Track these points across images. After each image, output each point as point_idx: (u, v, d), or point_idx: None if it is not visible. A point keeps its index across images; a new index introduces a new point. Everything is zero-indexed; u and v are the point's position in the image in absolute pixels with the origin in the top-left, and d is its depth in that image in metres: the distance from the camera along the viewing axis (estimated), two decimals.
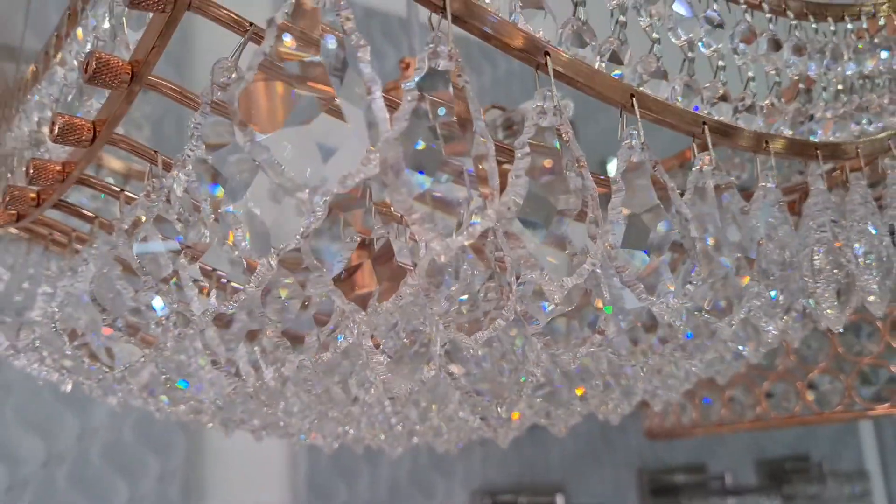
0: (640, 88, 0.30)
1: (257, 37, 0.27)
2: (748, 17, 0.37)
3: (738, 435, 1.65)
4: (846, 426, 1.93)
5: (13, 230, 0.43)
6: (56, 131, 0.29)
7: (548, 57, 0.27)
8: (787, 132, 0.38)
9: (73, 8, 0.34)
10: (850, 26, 0.43)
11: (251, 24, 0.27)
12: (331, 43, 0.25)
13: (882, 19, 0.45)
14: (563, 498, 1.21)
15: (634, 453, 1.43)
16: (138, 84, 0.28)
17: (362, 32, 0.25)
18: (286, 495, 1.04)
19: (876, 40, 0.44)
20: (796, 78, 0.39)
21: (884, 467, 2.03)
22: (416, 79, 0.25)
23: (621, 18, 0.31)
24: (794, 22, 0.39)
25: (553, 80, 0.28)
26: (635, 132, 0.28)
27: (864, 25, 0.44)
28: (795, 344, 0.42)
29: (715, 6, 0.35)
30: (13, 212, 0.36)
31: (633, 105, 0.29)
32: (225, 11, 0.27)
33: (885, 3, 0.45)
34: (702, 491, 1.40)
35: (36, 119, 0.38)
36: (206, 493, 0.98)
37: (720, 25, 0.35)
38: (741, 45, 0.37)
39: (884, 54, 0.44)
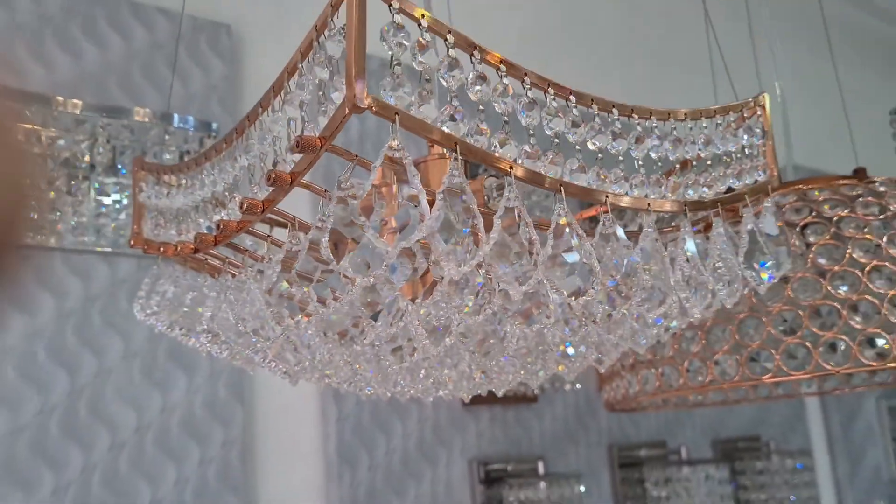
0: (567, 180, 0.52)
1: (361, 162, 0.48)
2: (639, 127, 0.58)
3: (695, 418, 1.86)
4: (795, 412, 2.14)
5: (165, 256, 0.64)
6: (245, 208, 0.50)
7: (511, 168, 0.49)
8: (670, 196, 0.59)
9: (239, 128, 0.55)
10: (719, 121, 0.65)
11: (356, 154, 0.48)
12: (399, 177, 0.46)
13: (744, 114, 0.67)
14: (543, 465, 1.42)
15: (605, 433, 1.64)
16: (293, 186, 0.49)
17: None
18: (320, 459, 1.25)
19: (740, 130, 0.65)
20: (675, 159, 0.60)
21: (830, 448, 2.24)
22: (443, 188, 0.46)
23: (556, 141, 0.52)
24: (673, 125, 0.61)
25: (514, 181, 0.49)
26: (562, 205, 0.50)
27: (731, 119, 0.66)
28: (677, 330, 0.64)
29: (618, 123, 0.56)
30: (192, 246, 0.56)
31: (561, 190, 0.51)
32: (340, 147, 0.48)
33: (743, 104, 0.66)
34: (661, 462, 1.62)
35: (209, 192, 0.58)
36: (258, 456, 1.19)
37: (621, 135, 0.56)
38: (635, 144, 0.58)
39: (744, 139, 0.66)
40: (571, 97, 0.52)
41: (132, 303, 0.71)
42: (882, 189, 0.90)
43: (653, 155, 0.58)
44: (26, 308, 1.02)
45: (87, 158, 1.02)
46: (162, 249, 0.65)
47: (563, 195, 0.50)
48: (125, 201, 1.02)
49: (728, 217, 0.61)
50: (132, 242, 0.71)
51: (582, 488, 1.37)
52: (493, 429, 1.45)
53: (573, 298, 0.49)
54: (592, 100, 0.53)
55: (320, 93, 0.48)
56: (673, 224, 0.65)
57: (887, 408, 2.36)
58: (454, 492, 1.36)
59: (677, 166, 0.60)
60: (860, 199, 0.88)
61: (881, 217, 0.86)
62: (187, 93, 1.21)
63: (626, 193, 0.54)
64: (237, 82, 1.29)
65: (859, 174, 1.02)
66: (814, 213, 0.89)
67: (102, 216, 1.04)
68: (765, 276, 0.58)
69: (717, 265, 0.59)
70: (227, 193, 0.58)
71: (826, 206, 0.89)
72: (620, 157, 0.55)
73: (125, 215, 1.01)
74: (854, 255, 0.83)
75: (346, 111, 0.43)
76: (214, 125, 1.11)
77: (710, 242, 0.59)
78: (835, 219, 0.87)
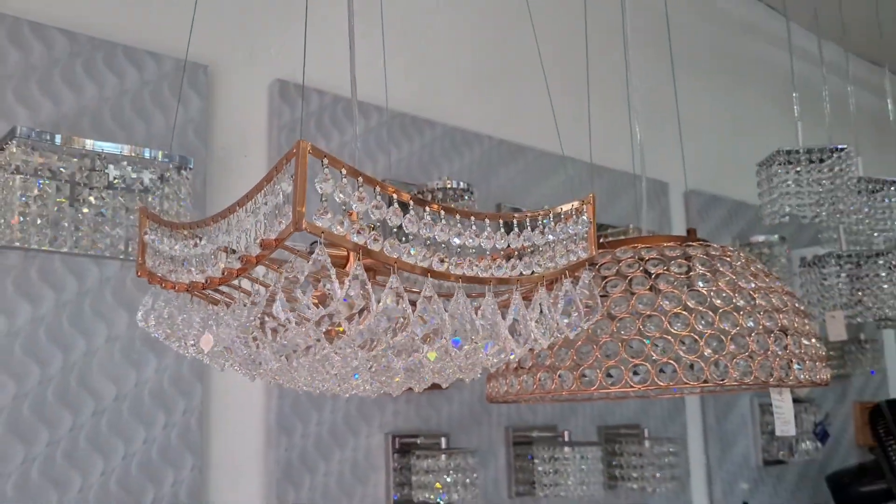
0: (434, 268, 0.81)
1: (302, 254, 0.76)
2: (489, 227, 0.87)
3: (586, 408, 2.19)
4: (675, 406, 2.49)
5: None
6: (224, 274, 0.77)
7: (395, 262, 0.77)
8: (509, 273, 0.89)
9: (223, 213, 0.82)
10: (552, 216, 0.94)
11: (299, 250, 0.76)
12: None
13: (574, 208, 0.96)
14: (447, 440, 1.73)
15: (505, 417, 1.96)
16: (258, 265, 0.76)
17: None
18: (262, 427, 1.53)
19: (570, 221, 0.95)
20: (517, 246, 0.90)
21: (704, 437, 2.61)
22: (350, 276, 0.74)
23: (428, 241, 0.81)
24: (515, 224, 0.90)
25: (397, 269, 0.78)
26: (428, 284, 0.78)
27: (561, 215, 0.95)
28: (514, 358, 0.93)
29: (474, 226, 0.85)
30: (185, 286, 0.83)
31: (428, 275, 0.80)
32: (288, 246, 0.76)
33: (573, 204, 0.95)
34: (549, 443, 1.94)
35: (200, 252, 0.85)
36: (212, 423, 1.46)
37: (477, 235, 0.85)
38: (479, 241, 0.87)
39: (571, 229, 0.95)
40: (441, 211, 0.81)
41: (116, 299, 0.96)
42: (692, 252, 1.21)
43: (498, 245, 0.87)
44: (32, 299, 1.28)
45: (86, 182, 1.27)
46: (162, 284, 0.92)
47: (429, 277, 0.79)
48: (108, 214, 1.28)
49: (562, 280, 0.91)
50: (139, 273, 0.97)
51: (473, 460, 1.68)
52: (407, 409, 1.75)
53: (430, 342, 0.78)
54: (457, 212, 0.82)
55: (276, 211, 0.76)
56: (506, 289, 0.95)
57: (759, 404, 2.74)
58: (372, 458, 1.66)
59: (517, 251, 0.89)
60: (674, 260, 1.19)
61: (687, 275, 1.17)
62: (168, 124, 1.47)
63: (477, 274, 0.84)
64: (210, 115, 1.55)
65: (690, 234, 1.34)
66: (641, 269, 1.20)
67: (96, 228, 1.29)
68: (573, 325, 0.88)
69: (539, 319, 0.89)
70: (212, 256, 0.85)
71: (650, 264, 1.20)
72: (473, 251, 0.85)
73: (109, 227, 1.27)
74: (662, 304, 1.14)
75: (292, 229, 0.72)
76: (191, 161, 1.37)
77: (533, 302, 0.89)
78: (654, 274, 1.18)
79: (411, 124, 1.88)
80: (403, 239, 0.80)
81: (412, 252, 0.78)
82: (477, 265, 0.85)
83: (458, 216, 0.83)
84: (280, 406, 1.53)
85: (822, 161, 1.90)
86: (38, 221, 1.22)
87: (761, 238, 2.77)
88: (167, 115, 1.47)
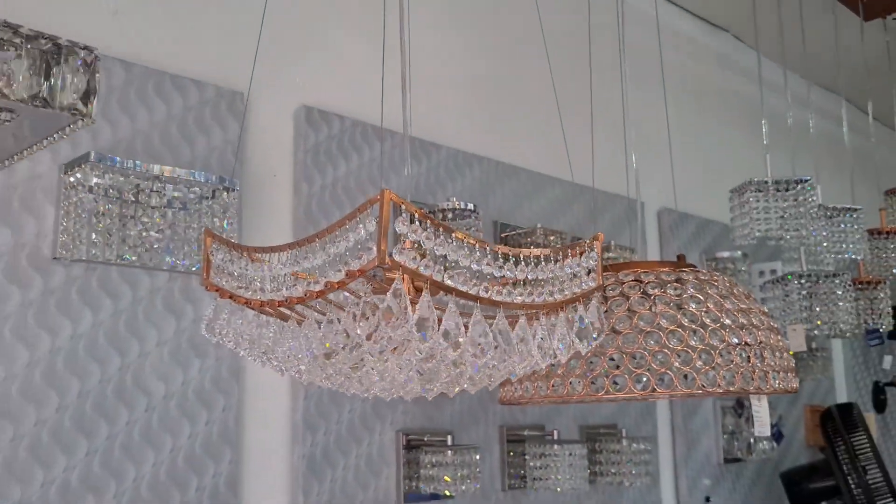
0: (482, 295, 0.93)
1: (381, 285, 0.87)
2: (513, 262, 0.99)
3: (570, 409, 2.33)
4: (647, 408, 2.65)
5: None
6: (306, 295, 0.88)
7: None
8: (535, 300, 1.01)
9: (301, 242, 0.93)
10: (569, 251, 1.07)
11: (372, 277, 0.88)
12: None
13: (585, 245, 1.09)
14: (452, 437, 1.85)
15: (500, 417, 2.08)
16: (338, 289, 0.87)
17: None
18: (289, 425, 1.64)
19: (581, 258, 1.08)
20: (542, 278, 1.02)
21: (672, 437, 2.76)
22: (421, 302, 0.86)
23: (476, 270, 0.93)
24: (542, 259, 1.02)
25: (454, 297, 0.90)
26: (477, 308, 0.90)
27: (577, 249, 1.08)
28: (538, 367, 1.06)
29: (512, 260, 0.97)
30: (260, 303, 0.94)
31: (477, 300, 0.92)
32: (368, 276, 0.87)
33: (584, 242, 1.08)
34: (539, 441, 2.07)
35: (275, 274, 0.96)
36: (247, 420, 1.56)
37: (510, 267, 0.98)
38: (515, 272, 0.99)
39: (576, 263, 1.08)
40: (486, 246, 0.93)
41: (165, 306, 1.05)
42: (685, 277, 1.35)
43: (530, 276, 0.99)
44: (93, 306, 1.37)
45: (147, 201, 1.37)
46: (234, 300, 1.03)
47: (478, 303, 0.91)
48: (166, 230, 1.37)
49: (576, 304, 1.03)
50: (207, 287, 1.07)
51: (477, 456, 1.80)
52: (415, 408, 1.86)
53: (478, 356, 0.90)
54: (499, 249, 0.94)
55: (358, 246, 0.87)
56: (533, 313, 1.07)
57: (721, 406, 2.90)
58: (385, 453, 1.77)
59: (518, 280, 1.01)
60: (669, 284, 1.33)
61: (680, 296, 1.31)
62: (210, 146, 1.57)
63: (513, 300, 0.96)
64: (245, 138, 1.65)
65: (680, 259, 1.48)
66: (641, 291, 1.33)
67: (150, 242, 1.39)
68: (585, 343, 1.00)
69: (560, 337, 1.01)
70: (288, 278, 0.96)
71: (649, 286, 1.34)
72: (492, 279, 0.97)
73: (170, 243, 1.37)
74: (661, 322, 1.28)
75: (376, 262, 0.83)
76: (237, 183, 1.47)
77: (553, 323, 1.01)
78: (653, 296, 1.32)
79: (420, 147, 2.00)
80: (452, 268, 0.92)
81: (467, 282, 0.90)
82: (512, 292, 0.97)
83: (499, 252, 0.95)
84: (306, 405, 1.63)
85: (787, 190, 2.06)
86: (108, 237, 1.31)
87: (726, 254, 2.93)
88: (209, 138, 1.57)
